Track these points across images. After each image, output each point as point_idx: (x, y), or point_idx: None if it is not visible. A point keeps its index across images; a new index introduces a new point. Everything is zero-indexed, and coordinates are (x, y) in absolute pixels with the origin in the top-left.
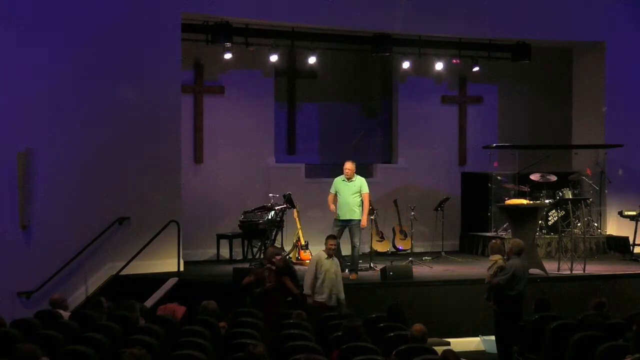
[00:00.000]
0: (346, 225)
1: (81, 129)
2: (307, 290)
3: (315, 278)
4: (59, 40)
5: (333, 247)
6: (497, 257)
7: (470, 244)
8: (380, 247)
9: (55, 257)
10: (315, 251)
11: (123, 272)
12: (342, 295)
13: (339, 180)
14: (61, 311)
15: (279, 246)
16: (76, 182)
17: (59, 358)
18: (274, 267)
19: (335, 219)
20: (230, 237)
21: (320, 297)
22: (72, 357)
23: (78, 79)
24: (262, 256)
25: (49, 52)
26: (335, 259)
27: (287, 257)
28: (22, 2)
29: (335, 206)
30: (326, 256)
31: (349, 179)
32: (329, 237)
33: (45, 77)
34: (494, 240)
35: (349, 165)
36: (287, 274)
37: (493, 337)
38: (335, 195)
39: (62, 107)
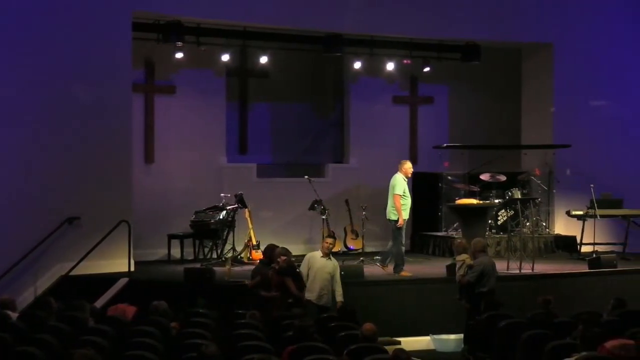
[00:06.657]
0: None
1: (29, 127)
2: None
3: (307, 275)
4: (7, 39)
5: (329, 245)
6: (464, 256)
7: (421, 244)
8: None
9: (3, 257)
10: None
11: (73, 273)
12: (339, 298)
13: (402, 181)
14: (9, 312)
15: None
16: (25, 181)
17: None
18: (277, 267)
19: (402, 221)
20: (181, 237)
21: (310, 295)
22: (21, 358)
23: (27, 76)
24: (213, 256)
25: None
26: (333, 260)
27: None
28: None
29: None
30: (321, 255)
31: None
32: (328, 235)
33: None
34: (459, 240)
35: None
36: (289, 275)
37: (443, 336)
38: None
39: (10, 105)
